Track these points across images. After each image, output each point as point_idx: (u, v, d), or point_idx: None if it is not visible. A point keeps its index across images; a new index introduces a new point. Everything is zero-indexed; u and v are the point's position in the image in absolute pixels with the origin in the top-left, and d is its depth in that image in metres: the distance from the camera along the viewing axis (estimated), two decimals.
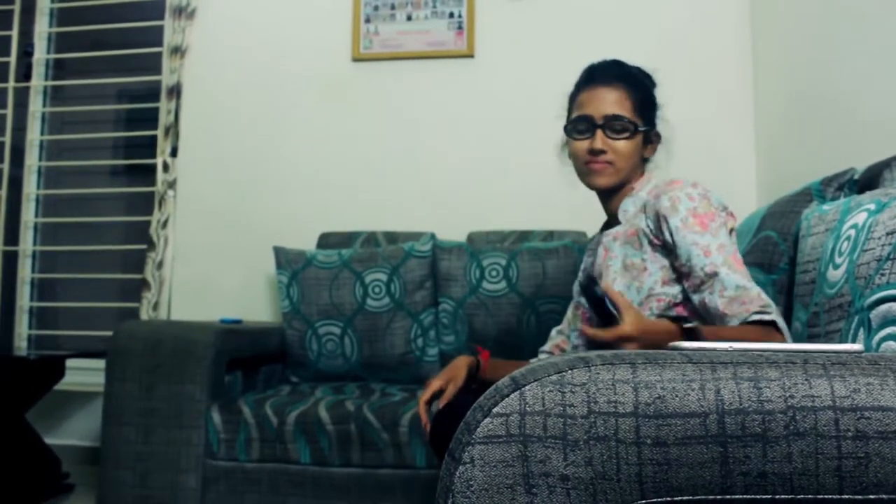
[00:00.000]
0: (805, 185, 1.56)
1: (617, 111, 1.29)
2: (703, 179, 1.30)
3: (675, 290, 1.23)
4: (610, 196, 1.37)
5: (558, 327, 1.53)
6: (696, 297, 1.18)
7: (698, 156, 2.13)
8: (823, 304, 1.13)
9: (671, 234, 1.20)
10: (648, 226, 1.25)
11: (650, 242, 1.25)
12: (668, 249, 1.23)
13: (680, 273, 1.22)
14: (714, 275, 1.15)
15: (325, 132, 2.75)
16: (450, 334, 2.29)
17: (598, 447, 0.55)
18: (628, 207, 1.33)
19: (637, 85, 1.33)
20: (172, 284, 2.76)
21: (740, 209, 2.15)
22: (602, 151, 1.29)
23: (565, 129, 1.37)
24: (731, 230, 1.24)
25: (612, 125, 1.29)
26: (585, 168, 1.32)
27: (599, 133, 1.29)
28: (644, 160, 1.37)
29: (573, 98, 1.38)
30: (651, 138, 1.35)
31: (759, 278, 1.49)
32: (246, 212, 2.76)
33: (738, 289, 1.13)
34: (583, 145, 1.31)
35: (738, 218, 1.83)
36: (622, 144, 1.29)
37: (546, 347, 1.52)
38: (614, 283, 1.28)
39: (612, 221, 1.40)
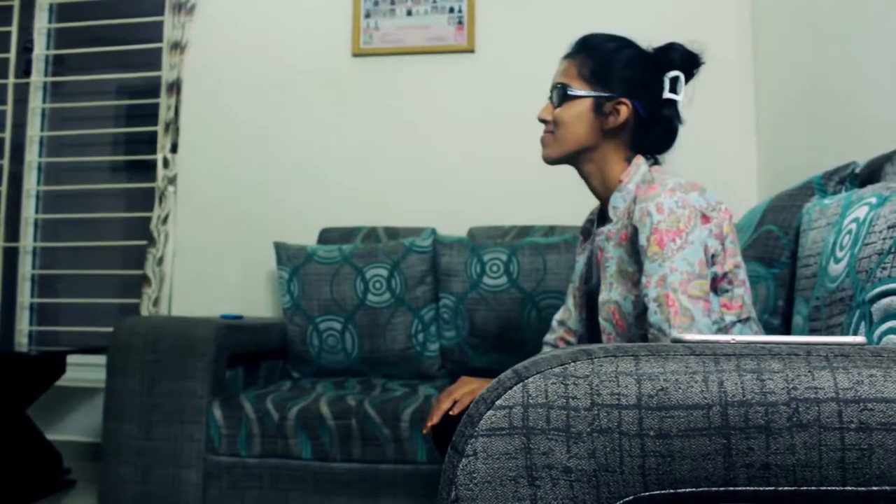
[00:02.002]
0: (806, 179, 1.56)
1: (558, 80, 1.27)
2: (704, 174, 1.26)
3: None
4: (588, 180, 1.30)
5: (558, 317, 1.49)
6: None
7: (699, 151, 2.13)
8: (825, 298, 1.13)
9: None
10: (634, 235, 1.19)
11: (640, 251, 1.17)
12: None
13: None
14: (645, 309, 1.12)
15: (325, 127, 2.75)
16: (450, 329, 2.29)
17: (601, 439, 0.55)
18: (618, 203, 1.24)
19: (593, 51, 1.26)
20: (173, 280, 2.76)
21: (741, 203, 2.16)
22: (544, 121, 1.27)
23: None
24: (721, 234, 1.15)
25: (553, 94, 1.27)
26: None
27: (547, 103, 1.28)
28: (607, 133, 1.24)
29: None
30: (605, 107, 1.23)
31: (761, 272, 1.50)
32: (246, 207, 2.76)
33: (658, 331, 1.09)
34: None
35: (739, 213, 1.84)
36: (561, 112, 1.25)
37: (550, 339, 1.50)
38: (611, 288, 1.23)
39: (604, 213, 1.31)
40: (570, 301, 1.47)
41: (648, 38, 1.29)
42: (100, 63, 3.08)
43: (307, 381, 2.21)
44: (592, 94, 1.24)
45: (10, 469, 2.20)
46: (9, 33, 2.98)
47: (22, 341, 2.93)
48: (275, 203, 2.75)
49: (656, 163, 1.29)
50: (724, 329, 1.18)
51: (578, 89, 1.24)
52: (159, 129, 2.79)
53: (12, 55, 2.98)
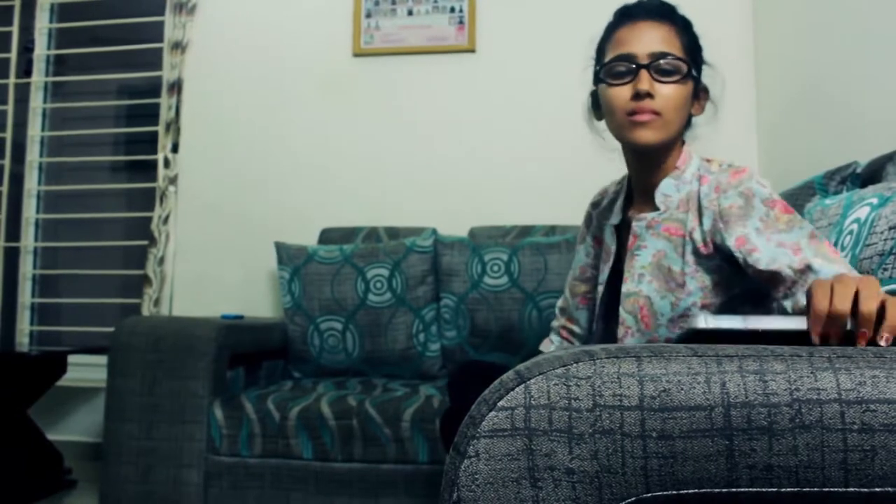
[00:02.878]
0: (807, 178, 1.56)
1: (663, 49, 1.07)
2: None
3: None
4: (650, 165, 1.15)
5: (560, 304, 1.48)
6: (788, 303, 0.96)
7: (700, 150, 2.12)
8: None
9: (748, 240, 1.00)
10: (702, 230, 1.06)
11: (695, 251, 1.07)
12: (722, 256, 1.04)
13: (744, 285, 1.04)
14: (807, 268, 0.94)
15: (326, 127, 2.75)
16: (451, 329, 2.29)
17: (603, 440, 0.55)
18: (670, 192, 1.12)
19: (686, 26, 1.13)
20: (174, 280, 2.76)
21: None
22: (649, 95, 1.05)
23: (597, 75, 1.13)
24: None
25: (660, 65, 1.06)
26: (628, 121, 1.08)
27: (645, 74, 1.06)
28: (689, 122, 1.15)
29: (607, 39, 1.15)
30: (699, 92, 1.14)
31: None
32: (247, 207, 2.76)
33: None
34: (623, 92, 1.08)
35: None
36: (672, 90, 1.06)
37: (555, 325, 1.49)
38: (641, 280, 1.12)
39: (631, 195, 1.22)
40: (567, 291, 1.46)
41: None
42: (101, 63, 3.08)
43: (308, 381, 2.21)
44: (696, 76, 1.11)
45: (10, 469, 2.20)
46: (10, 33, 2.97)
47: (23, 341, 2.93)
48: (275, 203, 2.75)
49: None
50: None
51: (692, 68, 1.08)
52: (160, 128, 2.79)
53: (13, 55, 2.98)
